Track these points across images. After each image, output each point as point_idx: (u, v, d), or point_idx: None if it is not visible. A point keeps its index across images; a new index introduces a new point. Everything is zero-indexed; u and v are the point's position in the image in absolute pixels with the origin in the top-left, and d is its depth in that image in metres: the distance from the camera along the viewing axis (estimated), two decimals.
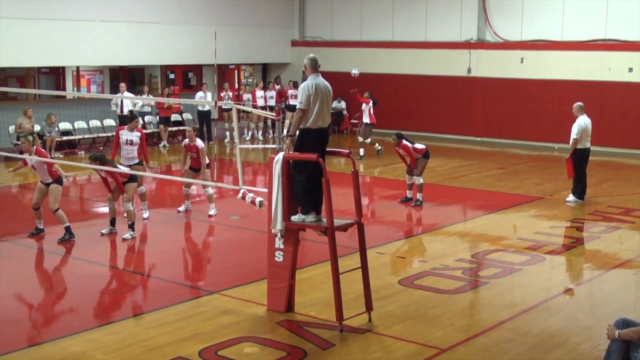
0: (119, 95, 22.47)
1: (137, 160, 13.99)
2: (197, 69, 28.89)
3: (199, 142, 14.31)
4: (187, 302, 9.77)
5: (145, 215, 14.14)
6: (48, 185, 12.71)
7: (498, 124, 24.87)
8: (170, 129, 24.82)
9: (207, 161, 14.50)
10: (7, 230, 13.32)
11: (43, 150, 13.40)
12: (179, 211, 14.64)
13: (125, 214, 12.85)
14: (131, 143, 13.94)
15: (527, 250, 12.23)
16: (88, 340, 8.52)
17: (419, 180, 15.31)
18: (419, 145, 15.43)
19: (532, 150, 23.26)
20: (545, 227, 13.90)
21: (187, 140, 14.54)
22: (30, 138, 12.93)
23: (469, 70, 25.35)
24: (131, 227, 12.79)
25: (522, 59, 24.27)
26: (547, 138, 23.54)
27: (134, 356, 8.11)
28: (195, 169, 14.41)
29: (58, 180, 12.76)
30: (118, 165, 13.19)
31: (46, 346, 8.47)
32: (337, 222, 8.94)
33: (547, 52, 23.90)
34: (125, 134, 14.00)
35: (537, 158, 21.98)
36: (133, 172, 13.09)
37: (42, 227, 12.99)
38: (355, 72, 21.55)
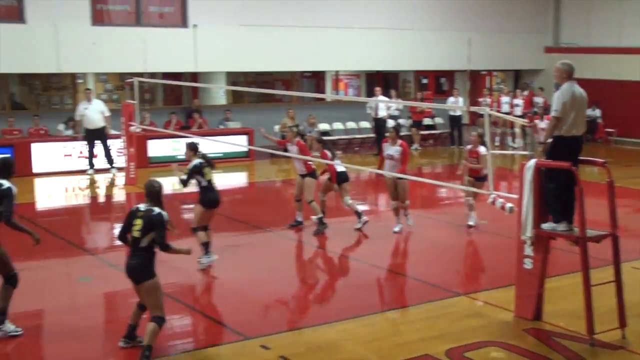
0: (374, 98, 22.99)
1: (398, 174, 12.86)
2: (449, 74, 28.86)
3: (482, 149, 13.15)
4: (436, 302, 9.79)
5: (410, 222, 13.29)
6: (303, 177, 13.29)
7: None
8: (422, 132, 25.04)
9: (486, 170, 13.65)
10: (270, 221, 14.08)
11: (303, 143, 13.66)
12: (469, 226, 13.63)
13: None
14: (391, 158, 12.90)
15: None
16: (341, 330, 8.80)
17: None
18: None
19: None
20: None
21: (470, 145, 13.61)
22: (295, 129, 13.64)
23: None
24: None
25: None
26: None
27: (383, 349, 8.27)
28: (475, 177, 13.29)
29: (312, 173, 13.28)
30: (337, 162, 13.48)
31: (304, 332, 8.86)
32: (590, 232, 8.58)
33: None
34: (387, 148, 13.03)
35: None
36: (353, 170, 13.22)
37: (301, 219, 13.58)
38: None
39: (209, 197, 11.03)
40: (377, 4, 24.39)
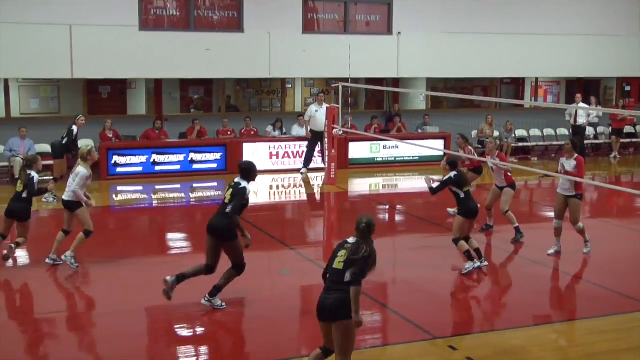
0: (573, 105, 22.10)
1: (572, 192, 11.58)
2: None
3: None
4: (628, 314, 9.26)
5: (585, 250, 11.96)
6: (501, 189, 12.96)
7: None
8: (622, 140, 23.77)
9: None
10: None
11: (504, 155, 13.40)
12: None
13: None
14: (566, 173, 11.52)
15: None
16: (529, 336, 8.55)
17: None
18: None
19: None
20: None
21: None
22: (498, 141, 13.42)
23: None
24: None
25: None
26: None
27: (572, 358, 7.96)
28: None
29: (512, 185, 12.91)
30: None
31: (491, 335, 8.71)
32: None
33: None
34: (563, 162, 11.73)
35: None
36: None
37: (491, 224, 13.32)
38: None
39: (468, 207, 10.84)
40: (580, 10, 23.46)
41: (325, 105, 19.19)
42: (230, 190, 9.20)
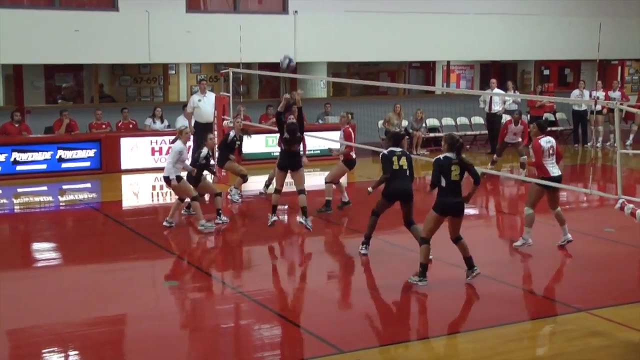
0: (488, 91, 22.65)
1: None
2: (575, 64, 28.19)
3: None
4: (551, 318, 9.58)
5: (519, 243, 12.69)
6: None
7: None
8: None
9: None
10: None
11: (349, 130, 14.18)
12: None
13: None
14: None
15: None
16: (445, 345, 8.75)
17: None
18: None
19: None
20: None
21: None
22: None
23: None
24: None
25: None
26: None
27: None
28: None
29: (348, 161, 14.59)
30: None
31: (404, 346, 8.79)
32: None
33: None
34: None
35: None
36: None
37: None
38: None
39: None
40: None
41: (210, 94, 19.05)
42: (404, 158, 11.39)
